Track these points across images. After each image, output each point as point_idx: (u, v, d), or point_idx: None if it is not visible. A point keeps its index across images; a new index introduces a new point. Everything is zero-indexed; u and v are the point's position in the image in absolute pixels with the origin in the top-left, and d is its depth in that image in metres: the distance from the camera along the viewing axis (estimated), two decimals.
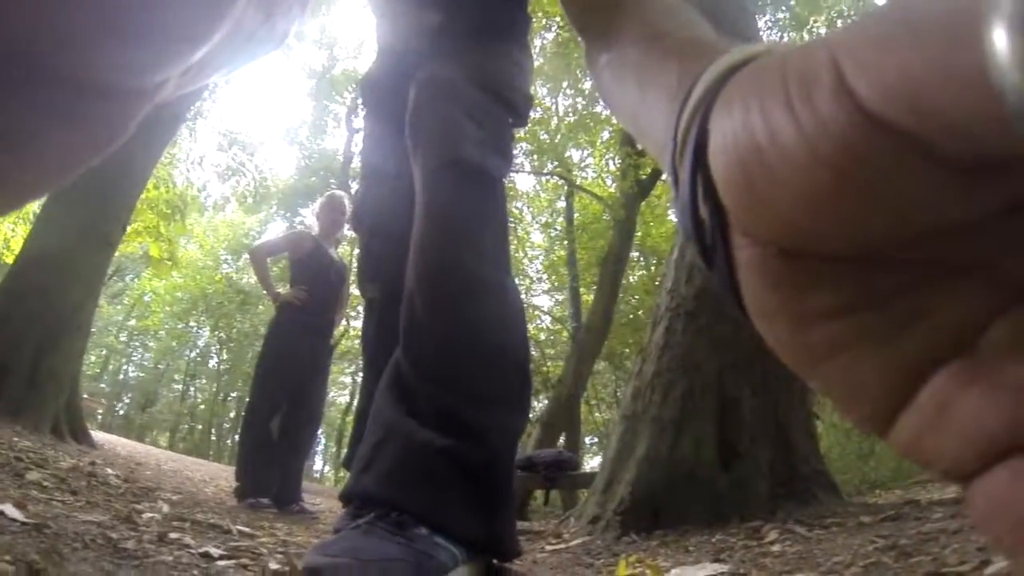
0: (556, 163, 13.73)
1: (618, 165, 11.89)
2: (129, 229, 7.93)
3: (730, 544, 1.93)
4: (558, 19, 10.19)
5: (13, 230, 11.22)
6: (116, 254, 6.43)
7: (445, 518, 1.12)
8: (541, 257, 19.84)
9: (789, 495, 2.40)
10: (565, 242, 15.97)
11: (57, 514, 1.66)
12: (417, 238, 1.33)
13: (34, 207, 10.59)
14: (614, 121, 12.62)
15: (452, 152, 1.36)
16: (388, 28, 1.77)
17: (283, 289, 4.34)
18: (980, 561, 1.19)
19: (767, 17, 9.96)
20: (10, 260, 7.91)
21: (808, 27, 10.34)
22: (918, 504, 2.23)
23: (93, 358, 26.91)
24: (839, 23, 10.17)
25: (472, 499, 1.16)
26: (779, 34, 10.56)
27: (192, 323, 29.37)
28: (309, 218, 16.34)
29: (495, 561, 1.26)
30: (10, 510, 1.46)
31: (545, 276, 19.70)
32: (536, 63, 12.51)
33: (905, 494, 5.31)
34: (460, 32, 1.58)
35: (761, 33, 7.16)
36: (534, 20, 10.33)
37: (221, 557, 1.52)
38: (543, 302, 20.78)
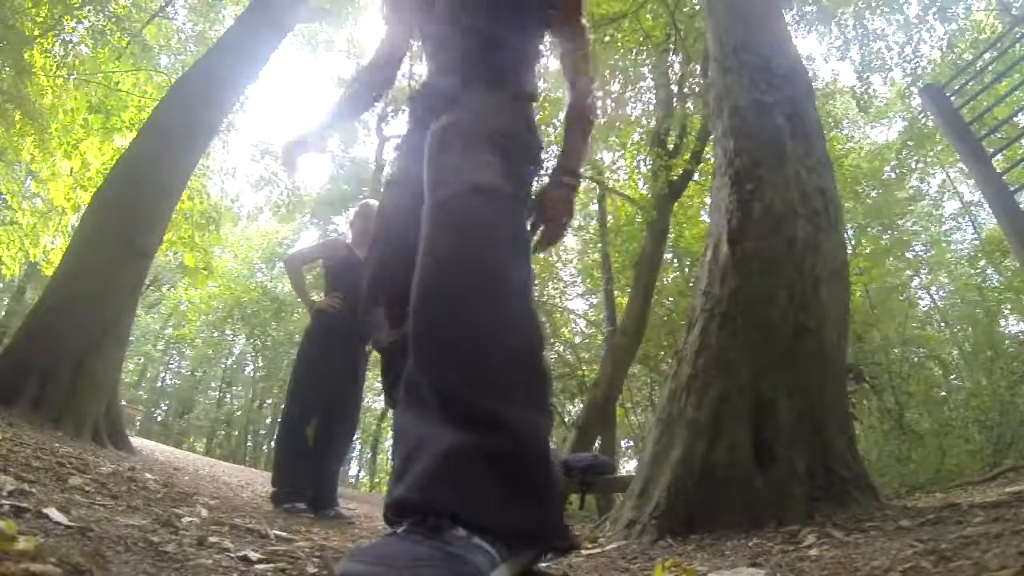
0: (587, 166, 13.70)
1: (649, 167, 11.82)
2: (164, 240, 8.09)
3: (767, 548, 1.90)
4: (586, 22, 10.15)
5: (53, 242, 11.51)
6: (152, 264, 6.56)
7: (482, 516, 1.10)
8: (575, 260, 19.82)
9: (827, 498, 2.35)
10: (598, 245, 15.90)
11: (99, 518, 1.70)
12: (428, 242, 1.33)
13: (72, 220, 10.89)
14: (644, 123, 12.55)
15: (472, 180, 1.37)
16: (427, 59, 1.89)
17: (318, 296, 4.38)
18: (1022, 566, 1.16)
19: (794, 11, 9.82)
20: (50, 272, 8.11)
21: (836, 19, 10.17)
22: (959, 508, 2.18)
23: (131, 366, 27.46)
24: (867, 14, 10.01)
25: (511, 493, 1.14)
26: (807, 28, 10.39)
27: (228, 331, 29.81)
28: (343, 226, 16.49)
29: (550, 554, 1.25)
30: (54, 514, 1.50)
31: (579, 279, 19.66)
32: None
33: (946, 497, 5.19)
34: (478, 84, 1.66)
35: (789, 28, 7.07)
36: None
37: (259, 561, 1.54)
38: (577, 306, 20.72)
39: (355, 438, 5.63)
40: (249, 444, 29.52)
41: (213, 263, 12.78)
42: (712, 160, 4.61)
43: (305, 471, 3.83)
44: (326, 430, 3.99)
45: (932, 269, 17.79)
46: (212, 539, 1.71)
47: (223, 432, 30.31)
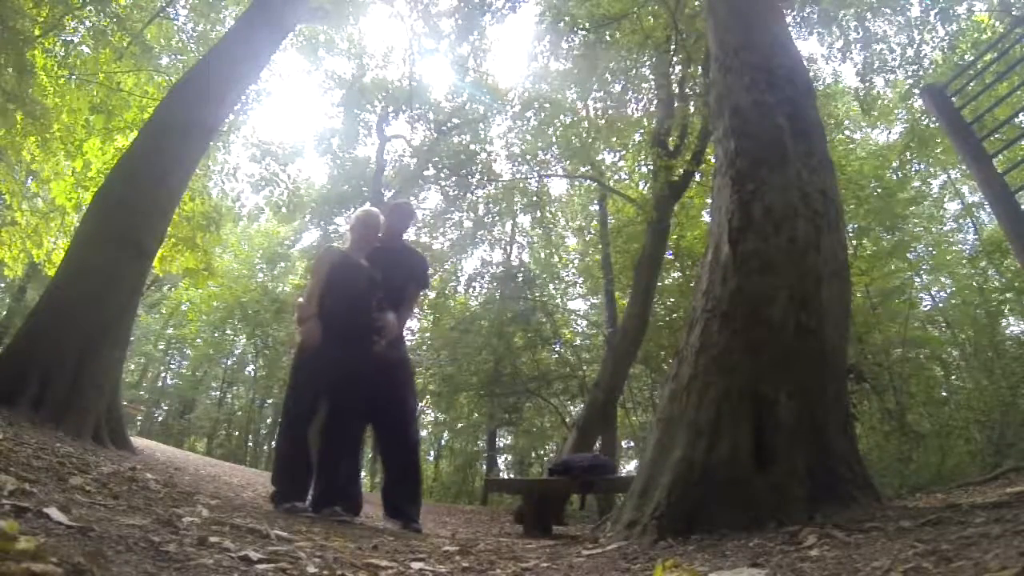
0: (588, 167, 13.68)
1: (650, 167, 11.80)
2: (166, 241, 8.08)
3: (768, 548, 1.90)
4: (584, 22, 10.18)
5: (55, 243, 11.50)
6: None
7: None
8: (576, 261, 19.83)
9: (827, 498, 2.35)
10: (599, 246, 15.89)
11: (100, 518, 1.70)
12: None
13: (74, 220, 10.88)
14: (645, 123, 12.54)
15: None
16: None
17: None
18: (1023, 567, 1.16)
19: (795, 13, 9.78)
20: (52, 272, 8.11)
21: (838, 21, 10.15)
22: (959, 508, 2.17)
23: (132, 366, 27.43)
24: (868, 16, 9.98)
25: None
26: (808, 31, 10.36)
27: (228, 331, 29.79)
28: (343, 226, 16.47)
29: None
30: (55, 513, 1.50)
31: (580, 280, 19.69)
32: (564, 66, 12.51)
33: (946, 498, 5.19)
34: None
35: (791, 29, 7.05)
36: (561, 24, 10.38)
37: (260, 561, 1.54)
38: (578, 306, 20.77)
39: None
40: (250, 444, 29.48)
41: (214, 263, 12.76)
42: (713, 160, 4.60)
43: (306, 470, 3.81)
44: (334, 428, 3.96)
45: (933, 270, 17.76)
46: (213, 539, 1.71)
47: (224, 432, 30.25)
